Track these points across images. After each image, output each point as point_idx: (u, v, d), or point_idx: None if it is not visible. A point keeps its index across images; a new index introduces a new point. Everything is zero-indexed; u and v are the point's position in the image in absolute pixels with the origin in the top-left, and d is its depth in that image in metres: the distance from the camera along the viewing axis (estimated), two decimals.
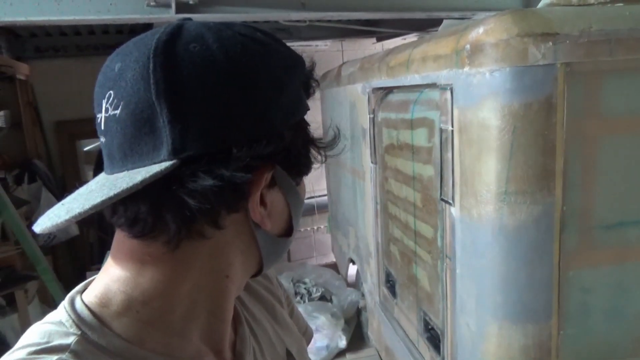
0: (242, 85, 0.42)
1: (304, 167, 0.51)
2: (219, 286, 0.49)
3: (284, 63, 0.47)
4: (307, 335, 0.78)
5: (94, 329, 0.43)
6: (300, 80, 0.49)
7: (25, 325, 2.73)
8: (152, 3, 2.12)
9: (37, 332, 0.44)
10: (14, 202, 2.89)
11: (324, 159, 0.53)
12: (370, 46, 4.57)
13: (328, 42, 4.43)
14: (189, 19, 0.46)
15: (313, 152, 0.51)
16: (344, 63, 2.88)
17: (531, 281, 1.22)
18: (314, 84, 0.52)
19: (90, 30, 3.63)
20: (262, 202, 0.47)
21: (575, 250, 1.20)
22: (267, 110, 0.44)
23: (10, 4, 2.02)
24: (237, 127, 0.42)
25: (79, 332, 0.43)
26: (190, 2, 2.16)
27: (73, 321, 0.44)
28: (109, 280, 0.46)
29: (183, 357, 0.47)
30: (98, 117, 0.43)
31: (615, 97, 1.16)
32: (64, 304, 0.46)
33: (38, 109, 3.78)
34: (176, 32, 0.42)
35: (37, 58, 3.83)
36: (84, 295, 0.47)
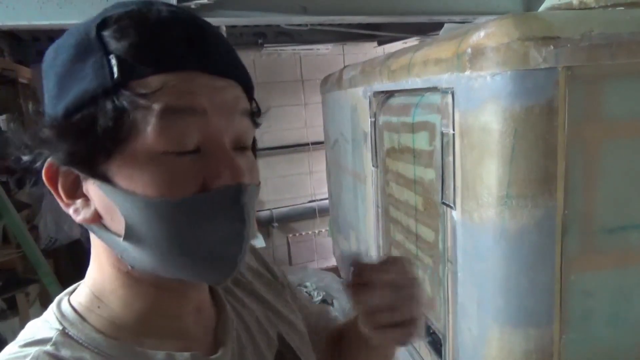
0: (44, 81, 0.47)
1: (87, 154, 0.43)
2: (129, 284, 0.48)
3: (74, 50, 0.44)
4: (323, 313, 0.79)
5: (73, 325, 0.47)
6: (94, 58, 0.42)
7: None
8: None
9: (27, 329, 0.48)
10: (16, 206, 2.89)
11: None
12: (371, 50, 4.58)
13: (329, 46, 4.43)
14: None
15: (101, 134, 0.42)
16: (345, 67, 2.89)
17: (533, 285, 1.22)
18: (124, 50, 0.42)
19: None
20: (81, 194, 0.46)
21: (577, 254, 1.20)
22: (55, 102, 0.45)
23: (13, 7, 2.03)
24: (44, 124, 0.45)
25: (61, 328, 0.46)
26: (192, 7, 2.17)
27: (56, 318, 0.48)
28: (86, 280, 0.51)
29: (153, 354, 0.48)
30: None
31: (617, 101, 1.16)
32: (52, 305, 0.50)
33: (40, 112, 3.79)
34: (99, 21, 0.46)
35: (39, 62, 3.81)
36: (72, 295, 0.51)
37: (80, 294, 0.50)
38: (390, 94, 1.99)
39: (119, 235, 0.44)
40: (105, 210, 0.45)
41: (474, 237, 1.30)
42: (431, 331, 1.68)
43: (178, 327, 0.51)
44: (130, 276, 0.48)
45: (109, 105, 0.41)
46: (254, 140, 0.55)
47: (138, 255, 0.45)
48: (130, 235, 0.44)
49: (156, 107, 0.41)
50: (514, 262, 1.21)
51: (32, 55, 3.80)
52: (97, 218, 0.45)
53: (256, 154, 0.56)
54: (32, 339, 0.45)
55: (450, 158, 1.35)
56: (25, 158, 0.45)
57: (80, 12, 2.10)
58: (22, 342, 0.45)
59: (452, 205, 1.37)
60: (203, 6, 2.21)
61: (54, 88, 0.44)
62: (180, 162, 0.43)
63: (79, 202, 0.46)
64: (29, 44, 3.77)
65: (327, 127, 3.46)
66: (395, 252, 2.07)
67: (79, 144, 0.42)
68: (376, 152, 2.16)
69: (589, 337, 1.26)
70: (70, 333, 0.46)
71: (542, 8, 1.49)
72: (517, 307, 1.24)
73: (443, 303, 1.51)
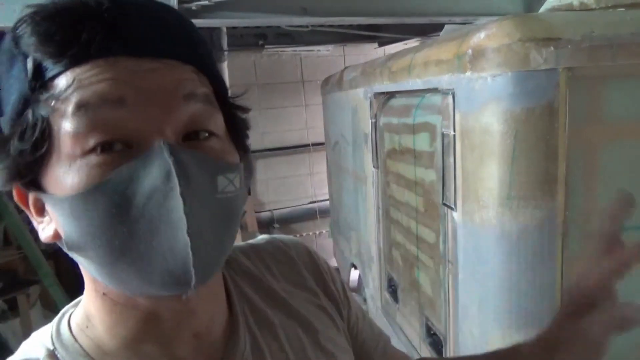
0: None
1: (27, 171, 0.39)
2: (107, 307, 0.43)
3: (3, 63, 0.40)
4: (383, 340, 0.67)
5: (65, 347, 0.44)
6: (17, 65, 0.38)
7: (27, 329, 2.73)
8: None
9: (25, 343, 0.46)
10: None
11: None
12: (372, 51, 4.58)
13: (330, 47, 4.44)
14: None
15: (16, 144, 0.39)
16: (345, 68, 2.89)
17: (534, 286, 1.21)
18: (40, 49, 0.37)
19: None
20: (40, 212, 0.42)
21: (578, 255, 1.20)
22: None
23: (14, 10, 2.03)
24: None
25: (52, 348, 0.44)
26: (193, 8, 2.17)
27: (51, 336, 0.45)
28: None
29: None
30: None
31: (618, 102, 1.16)
32: (57, 316, 0.48)
33: None
34: None
35: None
36: (75, 311, 0.48)
37: (77, 312, 0.47)
38: (390, 95, 1.99)
39: (68, 248, 0.40)
40: (57, 225, 0.41)
41: (474, 238, 1.30)
42: (432, 332, 1.68)
43: (171, 353, 0.45)
44: (108, 298, 0.42)
45: (29, 115, 0.37)
46: (238, 129, 0.47)
47: (91, 267, 0.40)
48: (68, 243, 0.39)
49: (68, 107, 0.36)
50: (515, 264, 1.21)
51: None
52: (57, 236, 0.41)
53: (246, 147, 0.48)
54: (22, 357, 0.44)
55: (451, 159, 1.35)
56: None
57: None
58: (12, 358, 0.44)
59: (452, 206, 1.37)
60: (204, 7, 2.21)
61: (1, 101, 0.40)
62: (96, 161, 0.37)
63: (45, 219, 0.42)
64: None
65: (328, 128, 3.46)
66: (395, 253, 2.07)
67: (10, 158, 0.38)
68: (377, 153, 2.16)
69: None
70: (58, 355, 0.43)
71: (542, 9, 1.49)
72: (518, 308, 1.23)
73: (444, 304, 1.51)
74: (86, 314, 0.45)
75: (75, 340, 0.44)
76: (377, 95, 2.08)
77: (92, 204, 0.36)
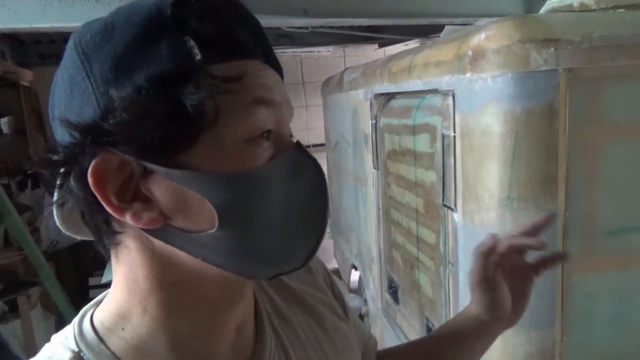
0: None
1: (163, 141, 0.38)
2: (172, 298, 0.43)
3: (136, 34, 0.39)
4: (372, 342, 0.74)
5: (91, 348, 0.42)
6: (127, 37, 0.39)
7: (27, 331, 2.73)
8: None
9: (47, 346, 0.45)
10: (17, 208, 2.90)
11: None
12: (372, 52, 4.58)
13: (330, 49, 4.44)
14: None
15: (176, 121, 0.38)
16: (346, 69, 2.89)
17: (534, 287, 1.21)
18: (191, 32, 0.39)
19: None
20: (138, 197, 0.40)
21: (578, 256, 1.20)
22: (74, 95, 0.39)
23: (15, 10, 2.03)
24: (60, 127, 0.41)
25: (77, 350, 0.42)
26: None
27: (74, 337, 0.43)
28: (109, 297, 0.46)
29: None
30: None
31: (618, 103, 1.16)
32: (77, 317, 0.46)
33: (42, 115, 3.80)
34: None
35: (40, 65, 3.85)
36: (97, 310, 0.46)
37: (103, 312, 0.45)
38: (391, 96, 1.99)
39: (200, 231, 0.40)
40: (179, 207, 0.39)
41: (475, 239, 1.30)
42: None
43: (213, 351, 0.46)
44: (173, 291, 0.43)
45: (194, 88, 0.37)
46: None
47: (226, 247, 0.40)
48: (225, 223, 0.39)
49: (246, 95, 0.40)
50: None
51: (33, 57, 3.81)
52: (162, 219, 0.40)
53: None
54: None
55: (451, 160, 1.35)
56: (57, 157, 0.39)
57: (82, 15, 2.11)
58: None
59: (453, 207, 1.37)
60: None
61: (110, 70, 0.37)
62: (262, 147, 0.42)
63: (136, 204, 0.39)
64: (30, 46, 3.78)
65: (328, 129, 3.46)
66: (396, 254, 2.07)
67: (165, 128, 0.37)
68: (377, 154, 2.16)
69: (591, 339, 1.25)
70: (85, 357, 0.42)
71: (542, 10, 1.49)
72: None
73: (444, 305, 1.51)
74: (120, 314, 0.44)
75: (101, 341, 0.43)
76: (378, 96, 2.08)
77: (269, 181, 0.41)
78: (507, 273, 0.68)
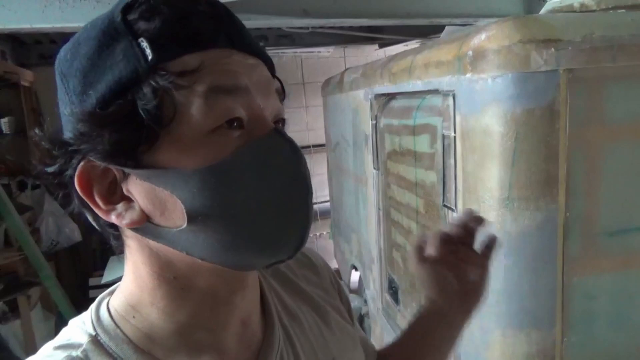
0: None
1: (125, 145, 0.40)
2: (174, 291, 0.45)
3: (95, 44, 0.41)
4: (371, 349, 0.74)
5: (107, 332, 0.44)
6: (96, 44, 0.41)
7: (27, 331, 2.73)
8: None
9: (66, 329, 0.46)
10: (17, 208, 2.89)
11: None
12: (372, 53, 4.58)
13: (330, 49, 4.44)
14: None
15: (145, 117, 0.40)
16: (346, 69, 2.89)
17: (534, 288, 1.21)
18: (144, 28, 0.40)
19: None
20: (121, 198, 0.42)
21: (579, 256, 1.20)
22: (73, 101, 0.42)
23: (15, 11, 2.03)
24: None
25: (94, 334, 0.44)
26: None
27: (92, 322, 0.45)
28: (122, 286, 0.48)
29: None
30: None
31: (618, 104, 1.16)
32: (93, 304, 0.48)
33: (42, 115, 3.80)
34: None
35: (41, 65, 3.85)
36: (112, 298, 0.48)
37: (116, 300, 0.47)
38: (391, 96, 1.99)
39: (176, 227, 0.41)
40: (155, 205, 0.41)
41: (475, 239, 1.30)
42: None
43: (219, 341, 0.48)
44: (175, 285, 0.44)
45: (148, 89, 0.39)
46: None
47: (204, 241, 0.41)
48: (194, 217, 0.40)
49: (200, 86, 0.39)
50: (516, 265, 1.21)
51: (34, 58, 3.81)
52: (144, 218, 0.42)
53: None
54: (66, 342, 0.44)
55: (452, 161, 1.35)
56: (51, 169, 0.42)
57: (83, 15, 2.11)
58: (57, 344, 0.44)
59: (453, 207, 1.37)
60: None
61: (79, 84, 0.41)
62: (228, 137, 0.41)
63: (120, 206, 0.42)
64: (31, 47, 3.78)
65: (329, 129, 3.46)
66: (396, 255, 2.07)
67: (122, 133, 0.39)
68: (377, 154, 2.16)
69: (591, 339, 1.25)
70: (101, 340, 0.44)
71: (543, 11, 1.49)
72: (519, 310, 1.23)
73: None
74: (131, 304, 0.46)
75: (117, 326, 0.45)
76: (378, 96, 2.08)
77: (234, 172, 0.40)
78: (458, 264, 0.69)
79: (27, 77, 3.59)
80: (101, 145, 0.39)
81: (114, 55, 0.39)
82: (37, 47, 3.79)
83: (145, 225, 0.42)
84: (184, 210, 0.40)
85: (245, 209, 0.41)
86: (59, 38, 3.62)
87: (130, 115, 0.39)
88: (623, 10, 1.31)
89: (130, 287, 0.46)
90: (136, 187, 0.41)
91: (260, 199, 0.41)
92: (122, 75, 0.39)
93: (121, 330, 0.45)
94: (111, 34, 0.40)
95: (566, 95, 1.11)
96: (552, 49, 1.09)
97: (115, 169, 0.41)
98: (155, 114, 0.39)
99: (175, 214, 0.41)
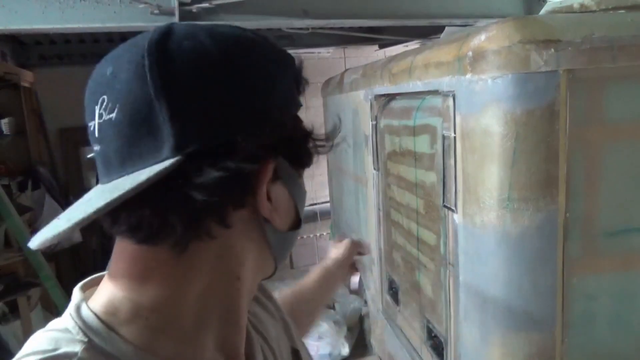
0: (239, 76, 0.42)
1: (305, 158, 0.51)
2: (230, 289, 0.48)
3: (275, 57, 0.47)
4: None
5: (101, 336, 0.42)
6: (292, 76, 0.49)
7: (27, 332, 2.73)
8: (156, 11, 2.14)
9: (44, 339, 0.43)
10: (18, 209, 2.90)
11: (323, 150, 0.52)
12: (372, 53, 4.58)
13: (330, 49, 4.44)
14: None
15: (311, 144, 0.51)
16: (346, 70, 2.89)
17: (535, 288, 1.21)
18: (303, 82, 0.51)
19: (94, 38, 3.66)
20: (268, 197, 0.46)
21: (579, 257, 1.20)
22: (265, 101, 0.44)
23: (16, 11, 2.04)
24: (238, 118, 0.41)
25: (86, 339, 0.42)
26: (194, 10, 2.18)
27: (80, 328, 0.43)
28: (114, 288, 0.45)
29: None
30: (91, 125, 0.43)
31: (618, 104, 1.16)
32: (70, 311, 0.45)
33: (42, 116, 3.80)
34: (167, 32, 0.42)
35: (41, 66, 3.85)
36: (90, 302, 0.46)
37: (111, 302, 0.45)
38: (391, 97, 1.99)
39: (284, 229, 0.50)
40: (283, 209, 0.49)
41: (475, 240, 1.30)
42: (433, 334, 1.68)
43: (226, 337, 0.51)
44: (234, 286, 0.49)
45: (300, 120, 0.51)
46: None
47: (285, 245, 0.52)
48: (296, 224, 0.52)
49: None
50: (516, 266, 1.21)
51: (34, 59, 3.82)
52: (275, 216, 0.48)
53: None
54: (54, 354, 0.41)
55: (452, 161, 1.35)
56: (245, 165, 0.42)
57: (83, 16, 2.11)
58: (43, 356, 0.40)
59: (453, 208, 1.37)
60: (205, 10, 2.21)
61: (262, 86, 0.44)
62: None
63: (270, 205, 0.48)
64: (31, 47, 3.78)
65: (329, 130, 3.46)
66: (396, 255, 2.07)
67: (307, 144, 0.50)
68: (377, 155, 2.16)
69: (592, 340, 1.25)
70: (97, 345, 0.42)
71: (543, 11, 1.50)
72: (519, 310, 1.23)
73: (445, 306, 1.51)
74: (151, 307, 0.44)
75: (110, 329, 0.43)
76: (378, 97, 2.08)
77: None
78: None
79: (27, 77, 3.59)
80: (300, 150, 0.49)
81: (285, 80, 0.47)
82: (37, 48, 3.79)
83: (265, 225, 0.48)
84: (296, 216, 0.51)
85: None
86: (59, 39, 3.62)
87: (306, 134, 0.50)
88: (623, 11, 1.31)
89: (157, 288, 0.44)
90: (278, 191, 0.48)
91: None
92: (292, 103, 0.49)
93: (115, 332, 0.43)
94: (283, 62, 0.48)
95: (566, 95, 1.11)
96: (552, 50, 1.09)
97: (279, 172, 0.48)
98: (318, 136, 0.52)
99: (287, 218, 0.50)
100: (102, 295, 0.46)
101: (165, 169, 0.38)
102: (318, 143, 0.51)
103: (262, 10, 2.30)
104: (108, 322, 0.43)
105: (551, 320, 1.21)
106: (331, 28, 3.45)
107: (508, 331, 1.25)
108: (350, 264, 1.10)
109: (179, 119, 0.39)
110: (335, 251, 1.07)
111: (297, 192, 0.51)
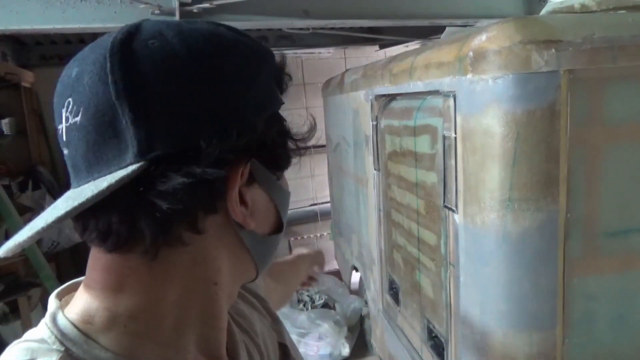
0: (207, 78, 0.40)
1: (282, 160, 0.49)
2: (207, 294, 0.47)
3: (250, 55, 0.45)
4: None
5: (78, 345, 0.41)
6: (270, 73, 0.46)
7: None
8: (157, 11, 2.14)
9: (19, 350, 0.41)
10: (18, 209, 2.90)
11: (301, 152, 0.51)
12: (373, 53, 4.59)
13: (331, 50, 4.45)
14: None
15: (291, 145, 0.49)
16: (347, 70, 2.89)
17: (535, 289, 1.21)
18: (286, 79, 0.49)
19: (95, 38, 3.65)
20: (242, 201, 0.44)
21: (579, 257, 1.20)
22: (235, 103, 0.42)
23: (17, 12, 2.04)
24: (204, 121, 0.40)
25: (63, 349, 0.41)
26: (195, 10, 2.18)
27: (56, 337, 0.42)
28: (89, 297, 0.44)
29: None
30: (59, 129, 0.41)
31: (619, 104, 1.16)
32: (45, 320, 0.44)
33: (42, 116, 3.81)
34: (133, 31, 0.41)
35: (42, 66, 3.86)
36: (66, 311, 0.44)
37: (85, 313, 0.44)
38: (392, 97, 1.99)
39: (265, 234, 0.49)
40: (262, 213, 0.48)
41: (476, 240, 1.30)
42: (433, 335, 1.68)
43: (221, 336, 0.51)
44: (212, 291, 0.47)
45: (282, 119, 0.49)
46: None
47: (266, 250, 0.50)
48: (277, 229, 0.50)
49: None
50: (517, 266, 1.21)
51: (35, 59, 3.82)
52: (251, 221, 0.46)
53: None
54: None
55: (452, 161, 1.35)
56: (211, 170, 0.40)
57: (83, 16, 2.11)
58: None
59: (454, 208, 1.37)
60: (205, 10, 2.22)
61: (237, 88, 0.42)
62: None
63: (245, 210, 0.46)
64: (32, 48, 3.78)
65: (329, 130, 3.46)
66: (396, 255, 2.07)
67: (285, 147, 0.48)
68: (378, 155, 2.16)
69: (592, 340, 1.25)
70: (75, 354, 0.41)
71: (543, 12, 1.50)
72: (520, 311, 1.23)
73: (445, 307, 1.51)
74: (128, 315, 0.43)
75: (88, 337, 0.42)
76: (378, 97, 2.08)
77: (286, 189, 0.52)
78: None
79: (27, 78, 3.59)
80: (269, 153, 0.46)
81: (261, 77, 0.45)
82: (37, 48, 3.79)
83: (240, 230, 0.46)
84: (278, 220, 0.50)
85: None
86: (59, 39, 3.63)
87: (289, 132, 0.49)
88: (623, 11, 1.31)
89: (132, 296, 0.43)
90: (256, 194, 0.47)
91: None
92: (270, 102, 0.46)
93: (93, 339, 0.42)
94: (259, 59, 0.46)
95: (567, 95, 1.11)
96: (553, 50, 1.09)
97: (255, 175, 0.46)
98: (297, 136, 0.50)
99: (267, 222, 0.49)
100: (78, 304, 0.45)
101: (128, 175, 0.37)
102: (299, 144, 0.49)
103: (263, 10, 2.30)
104: (85, 330, 0.42)
105: (552, 320, 1.21)
106: (332, 28, 3.45)
107: (508, 331, 1.25)
108: (308, 272, 1.10)
109: (142, 123, 0.37)
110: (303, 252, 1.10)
111: (277, 196, 0.49)
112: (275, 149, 0.47)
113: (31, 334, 0.44)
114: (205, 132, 0.39)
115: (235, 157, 0.42)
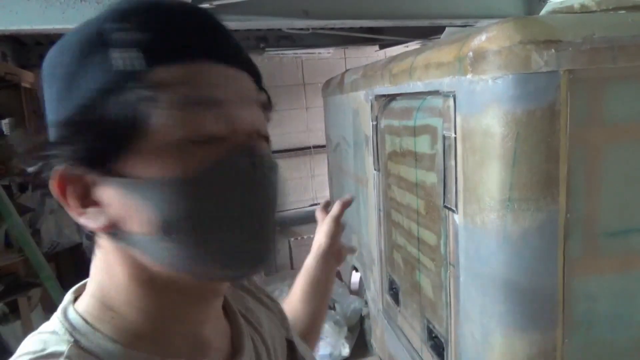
0: (43, 87, 0.45)
1: (110, 155, 0.41)
2: (151, 292, 0.46)
3: (82, 47, 0.43)
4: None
5: (85, 336, 0.44)
6: (107, 56, 0.41)
7: (28, 332, 2.72)
8: None
9: (33, 342, 0.45)
10: (18, 210, 2.89)
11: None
12: (373, 54, 4.59)
13: (331, 50, 4.45)
14: None
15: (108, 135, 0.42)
16: (346, 70, 2.89)
17: (535, 289, 1.21)
18: (152, 43, 0.41)
19: None
20: (92, 202, 0.43)
21: (579, 257, 1.20)
22: (57, 108, 0.44)
23: (16, 12, 2.04)
24: (53, 129, 0.44)
25: (72, 340, 0.44)
26: None
27: (66, 329, 0.45)
28: (88, 291, 0.48)
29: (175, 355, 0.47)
30: None
31: (619, 104, 1.16)
32: (57, 314, 0.47)
33: (43, 117, 3.80)
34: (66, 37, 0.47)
35: (41, 66, 3.85)
36: (77, 304, 0.48)
37: (87, 304, 0.47)
38: (391, 97, 1.99)
39: (146, 234, 0.42)
40: (125, 212, 0.42)
41: (476, 240, 1.30)
42: (433, 335, 1.68)
43: (199, 335, 0.50)
44: (152, 286, 0.45)
45: (122, 99, 0.40)
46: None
47: (171, 250, 0.43)
48: (161, 227, 0.41)
49: (175, 99, 0.40)
50: (517, 266, 1.21)
51: (34, 59, 3.82)
52: (114, 224, 0.43)
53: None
54: (43, 353, 0.42)
55: (452, 161, 1.35)
56: (31, 169, 0.43)
57: (83, 17, 2.10)
58: (32, 356, 0.42)
59: (454, 208, 1.37)
60: None
61: (60, 91, 0.43)
62: (198, 150, 0.41)
63: (90, 210, 0.43)
64: (31, 48, 3.78)
65: (329, 130, 3.47)
66: (396, 256, 2.07)
67: (97, 142, 0.41)
68: (378, 155, 2.16)
69: (592, 341, 1.25)
70: (83, 345, 0.43)
71: (543, 12, 1.50)
72: (520, 311, 1.23)
73: (445, 307, 1.51)
74: (107, 305, 0.46)
75: (95, 329, 0.45)
76: (378, 97, 2.08)
77: (197, 187, 0.41)
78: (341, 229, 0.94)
79: (27, 78, 3.59)
80: (76, 152, 0.41)
81: (93, 65, 0.41)
82: (37, 49, 3.79)
83: (118, 230, 0.43)
84: (153, 219, 0.41)
85: (206, 224, 0.42)
86: (59, 39, 3.62)
87: (104, 124, 0.40)
88: (623, 11, 1.31)
89: (104, 289, 0.47)
90: (108, 193, 0.42)
91: (220, 215, 0.42)
92: (100, 86, 0.40)
93: (100, 332, 0.45)
94: (91, 43, 0.42)
95: (567, 96, 1.11)
96: (553, 50, 1.09)
97: (88, 174, 0.42)
98: (128, 124, 0.40)
99: (144, 222, 0.42)
100: (85, 298, 0.48)
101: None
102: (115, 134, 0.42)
103: (263, 10, 2.30)
104: (93, 322, 0.45)
105: (552, 320, 1.21)
106: (332, 28, 3.45)
107: (509, 332, 1.25)
108: (335, 250, 0.93)
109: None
110: (316, 245, 0.93)
111: (136, 189, 0.41)
112: (93, 139, 0.41)
113: (45, 326, 0.47)
114: (32, 141, 0.45)
115: (47, 163, 0.43)
